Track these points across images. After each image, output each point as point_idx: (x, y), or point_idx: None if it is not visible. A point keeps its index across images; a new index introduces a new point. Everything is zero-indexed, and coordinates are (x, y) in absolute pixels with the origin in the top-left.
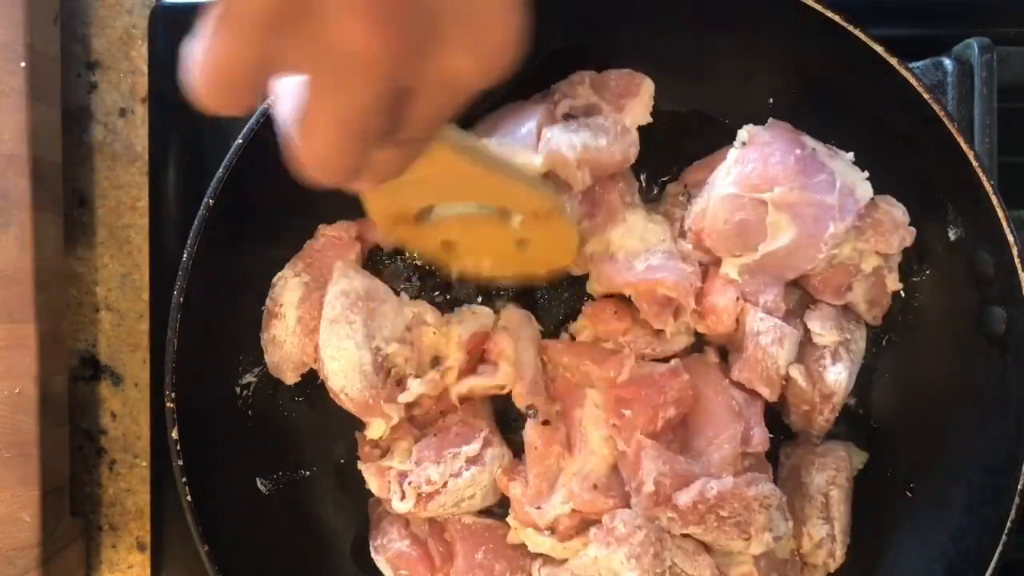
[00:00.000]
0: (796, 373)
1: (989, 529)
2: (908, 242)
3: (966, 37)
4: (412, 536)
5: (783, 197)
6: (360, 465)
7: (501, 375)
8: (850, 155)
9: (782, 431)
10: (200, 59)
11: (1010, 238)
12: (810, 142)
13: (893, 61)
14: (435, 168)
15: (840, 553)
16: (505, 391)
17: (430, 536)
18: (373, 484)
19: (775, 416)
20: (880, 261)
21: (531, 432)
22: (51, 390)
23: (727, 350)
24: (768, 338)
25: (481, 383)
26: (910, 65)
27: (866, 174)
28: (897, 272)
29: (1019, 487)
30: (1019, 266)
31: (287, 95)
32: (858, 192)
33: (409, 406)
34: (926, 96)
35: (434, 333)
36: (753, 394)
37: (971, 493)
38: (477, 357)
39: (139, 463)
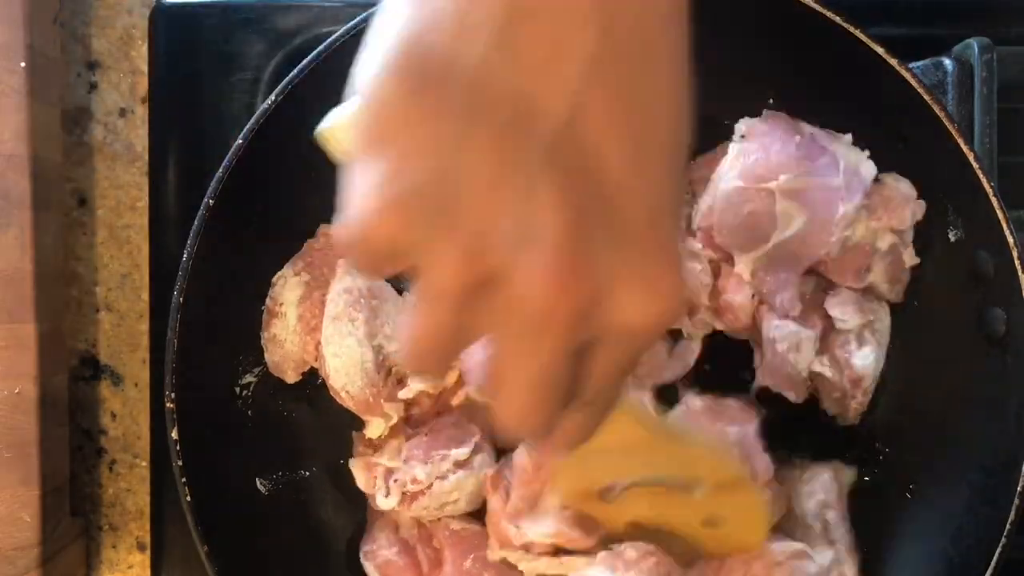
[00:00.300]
0: (820, 367)
1: (989, 529)
2: (919, 215)
3: (966, 37)
4: (401, 543)
5: (789, 184)
6: (350, 461)
7: None
8: (848, 136)
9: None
10: (409, 336)
11: (1010, 239)
12: (807, 128)
13: (894, 62)
14: (618, 436)
15: (852, 573)
16: None
17: (419, 542)
18: (360, 479)
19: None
20: (895, 238)
21: (522, 456)
22: (51, 390)
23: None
24: (784, 345)
25: (479, 395)
26: (910, 65)
27: (867, 153)
28: (912, 247)
29: (1019, 488)
30: (1019, 267)
31: (479, 364)
32: (862, 171)
33: (408, 405)
34: (926, 97)
35: None
36: (743, 420)
37: (971, 493)
38: None
39: (139, 463)
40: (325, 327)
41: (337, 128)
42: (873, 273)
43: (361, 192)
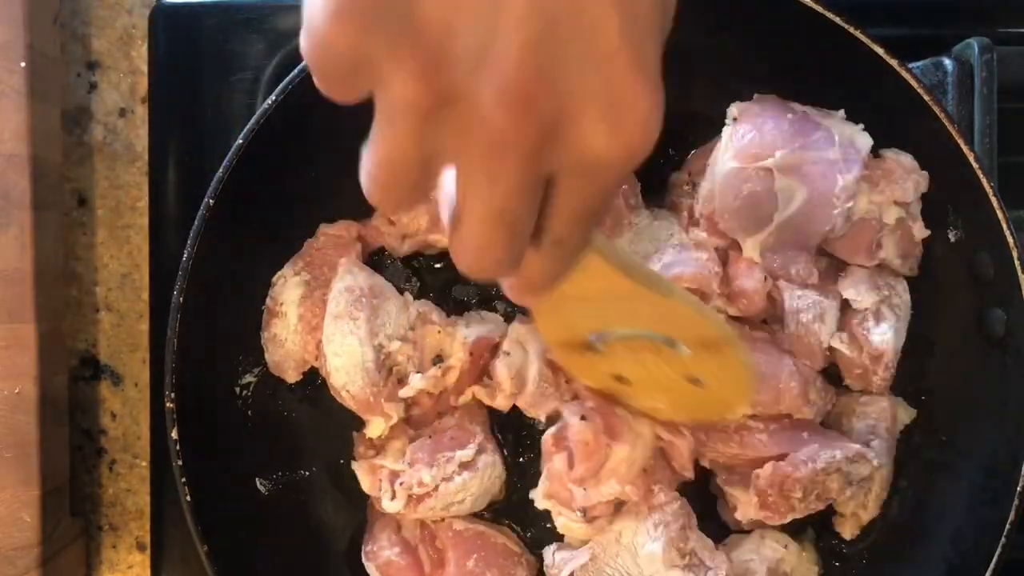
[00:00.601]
0: (839, 343)
1: (989, 530)
2: (923, 187)
3: (966, 37)
4: (403, 543)
5: (785, 160)
6: (353, 463)
7: (498, 401)
8: (841, 112)
9: None
10: (369, 163)
11: (1010, 240)
12: (799, 107)
13: (894, 63)
14: (592, 283)
15: (873, 505)
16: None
17: (421, 542)
18: (365, 482)
19: None
20: (901, 212)
21: (585, 431)
22: (51, 390)
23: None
24: (809, 315)
25: (480, 397)
26: (910, 65)
27: (861, 126)
28: (921, 220)
29: (1019, 488)
30: (1019, 268)
31: (447, 195)
32: (858, 142)
33: (408, 406)
34: (926, 97)
35: (439, 332)
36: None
37: (971, 494)
38: (481, 367)
39: (139, 463)
40: (326, 326)
41: None
42: (884, 249)
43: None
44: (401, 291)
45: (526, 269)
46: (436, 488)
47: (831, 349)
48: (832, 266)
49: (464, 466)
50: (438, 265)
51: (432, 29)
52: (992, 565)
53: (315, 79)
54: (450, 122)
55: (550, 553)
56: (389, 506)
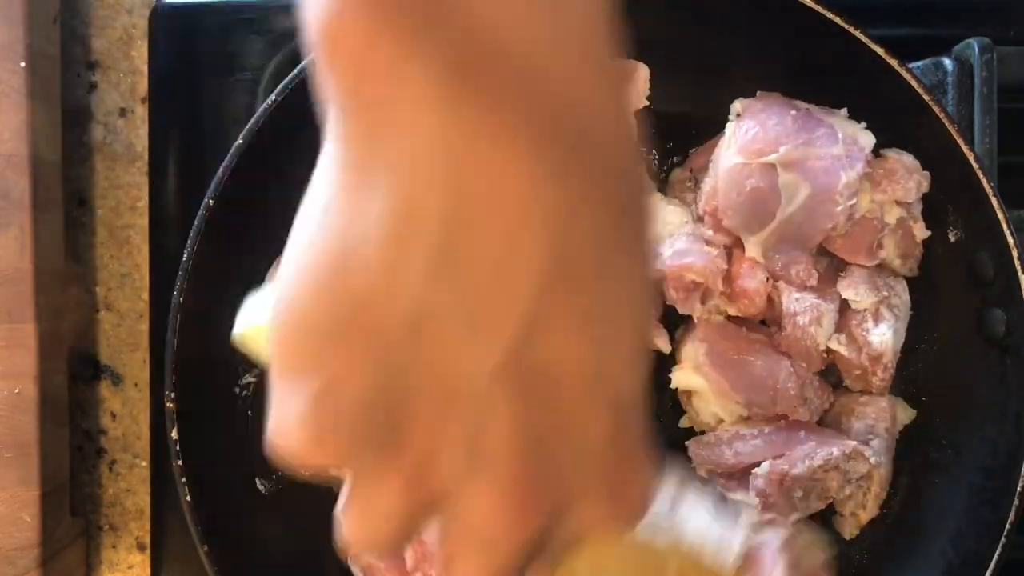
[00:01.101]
0: (837, 345)
1: (988, 531)
2: (925, 187)
3: (966, 37)
4: None
5: (788, 156)
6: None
7: None
8: (843, 111)
9: None
10: (347, 525)
11: (1010, 240)
12: (802, 104)
13: (894, 63)
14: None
15: (872, 505)
16: None
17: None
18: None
19: None
20: (903, 212)
21: None
22: (51, 390)
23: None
24: (806, 318)
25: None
26: (910, 65)
27: (864, 124)
28: (922, 220)
29: (1019, 489)
30: (1019, 268)
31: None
32: (861, 140)
33: None
34: (926, 97)
35: None
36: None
37: (970, 495)
38: None
39: (139, 463)
40: None
41: (257, 333)
42: (885, 249)
43: (288, 415)
44: None
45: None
46: None
47: (829, 351)
48: (832, 267)
49: None
50: None
51: (417, 443)
52: (992, 565)
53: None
54: (438, 516)
55: None
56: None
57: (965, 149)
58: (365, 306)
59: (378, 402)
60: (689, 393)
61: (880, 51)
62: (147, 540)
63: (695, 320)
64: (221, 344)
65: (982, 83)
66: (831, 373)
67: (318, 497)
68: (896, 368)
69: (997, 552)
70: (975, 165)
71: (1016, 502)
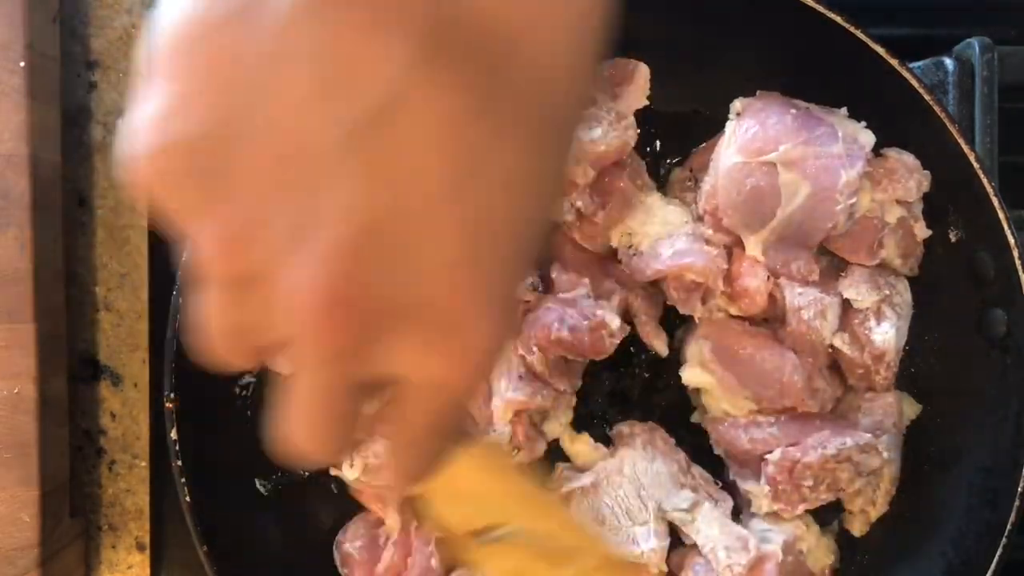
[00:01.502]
0: (840, 343)
1: (989, 531)
2: (925, 186)
3: (967, 37)
4: (369, 539)
5: (788, 154)
6: None
7: None
8: (843, 110)
9: None
10: (199, 313)
11: (1011, 239)
12: (802, 104)
13: (895, 63)
14: (466, 483)
15: (882, 501)
16: None
17: (397, 544)
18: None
19: None
20: (903, 211)
21: None
22: (51, 390)
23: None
24: (811, 312)
25: None
26: (911, 65)
27: (864, 124)
28: (923, 220)
29: (1019, 489)
30: (1020, 267)
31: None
32: (861, 139)
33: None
34: (927, 97)
35: None
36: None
37: (971, 495)
38: None
39: (139, 463)
40: None
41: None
42: (886, 248)
43: (142, 118)
44: None
45: (389, 464)
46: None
47: (833, 347)
48: (832, 265)
49: None
50: None
51: (245, 196)
52: (993, 566)
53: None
54: (267, 301)
55: (559, 469)
56: (347, 474)
57: (966, 149)
58: (229, 21)
59: (214, 135)
60: (698, 391)
61: (881, 51)
62: (147, 540)
63: (696, 320)
64: None
65: (983, 83)
66: (835, 369)
67: (318, 497)
68: (896, 371)
69: (998, 553)
70: (976, 165)
71: (1017, 502)
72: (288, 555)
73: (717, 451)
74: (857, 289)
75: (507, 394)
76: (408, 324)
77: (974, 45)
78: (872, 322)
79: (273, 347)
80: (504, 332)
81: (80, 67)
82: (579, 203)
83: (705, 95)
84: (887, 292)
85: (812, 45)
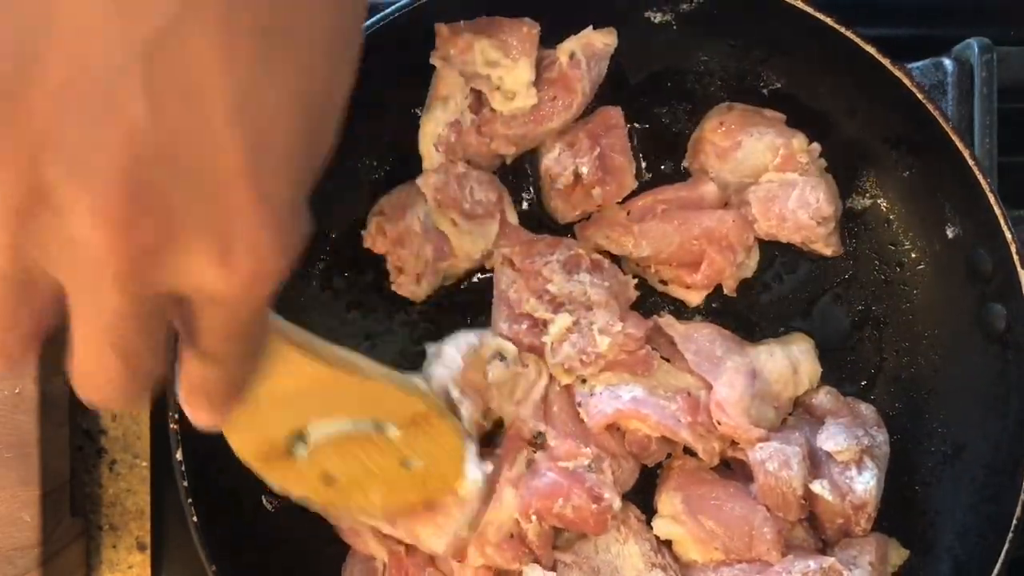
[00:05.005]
0: (820, 488)
1: (994, 527)
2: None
3: (966, 37)
4: (369, 572)
5: None
6: None
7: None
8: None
9: None
10: None
11: (1008, 235)
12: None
13: (886, 62)
14: (285, 381)
15: None
16: None
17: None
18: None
19: None
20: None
21: None
22: (51, 390)
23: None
24: (775, 463)
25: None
26: (909, 65)
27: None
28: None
29: (1023, 484)
30: (1018, 263)
31: None
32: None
33: None
34: (921, 96)
35: None
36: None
37: (974, 491)
38: None
39: (139, 463)
40: None
41: None
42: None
43: None
44: None
45: (197, 387)
46: None
47: (809, 497)
48: (801, 415)
49: None
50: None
51: (35, 114)
52: (999, 563)
53: None
54: (51, 231)
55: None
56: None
57: (961, 148)
58: None
59: (3, 54)
60: (669, 541)
61: (872, 51)
62: (147, 540)
63: (668, 469)
64: None
65: (982, 83)
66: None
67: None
68: (897, 368)
69: (1005, 548)
70: (971, 163)
71: (1022, 497)
72: (288, 555)
73: None
74: (836, 441)
75: (489, 551)
76: (193, 238)
77: (973, 46)
78: (853, 471)
79: (54, 300)
80: (288, 245)
81: None
82: (584, 168)
83: (705, 94)
84: (867, 442)
85: (806, 46)
